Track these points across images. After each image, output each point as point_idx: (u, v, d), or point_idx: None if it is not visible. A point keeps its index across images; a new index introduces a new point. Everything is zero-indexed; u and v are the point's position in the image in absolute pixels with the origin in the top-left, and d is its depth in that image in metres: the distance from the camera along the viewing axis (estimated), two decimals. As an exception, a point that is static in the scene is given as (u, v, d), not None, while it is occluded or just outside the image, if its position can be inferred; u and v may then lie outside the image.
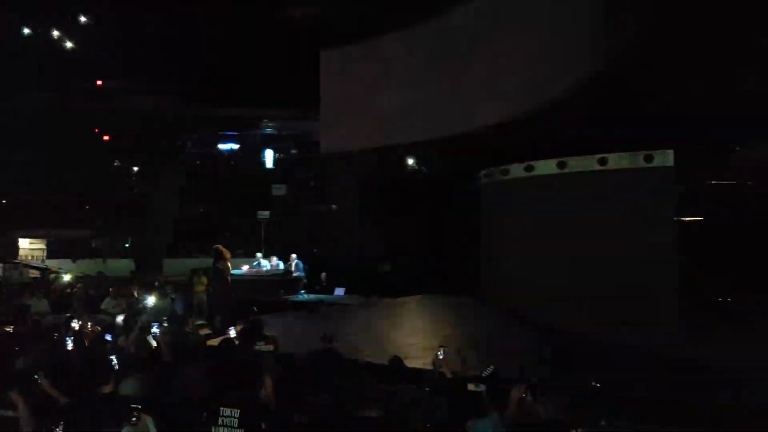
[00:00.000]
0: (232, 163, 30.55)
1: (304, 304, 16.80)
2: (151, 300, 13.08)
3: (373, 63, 19.29)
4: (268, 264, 18.93)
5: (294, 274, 18.60)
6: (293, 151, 30.05)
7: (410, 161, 22.35)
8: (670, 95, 15.02)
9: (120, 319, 10.06)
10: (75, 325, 9.08)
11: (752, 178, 13.06)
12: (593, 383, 7.39)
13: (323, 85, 20.66)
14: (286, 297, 17.57)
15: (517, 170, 15.20)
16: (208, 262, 14.55)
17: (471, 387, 5.70)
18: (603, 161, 13.59)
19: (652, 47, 13.35)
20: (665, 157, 12.93)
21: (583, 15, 13.93)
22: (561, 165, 14.20)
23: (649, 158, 13.06)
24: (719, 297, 13.24)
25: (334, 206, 23.44)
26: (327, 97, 20.68)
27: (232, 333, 8.86)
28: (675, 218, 12.92)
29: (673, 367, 9.07)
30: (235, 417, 5.13)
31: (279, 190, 24.84)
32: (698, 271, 12.86)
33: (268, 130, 30.43)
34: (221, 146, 30.95)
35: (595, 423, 4.61)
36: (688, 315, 12.79)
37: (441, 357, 6.79)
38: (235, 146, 30.98)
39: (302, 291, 18.47)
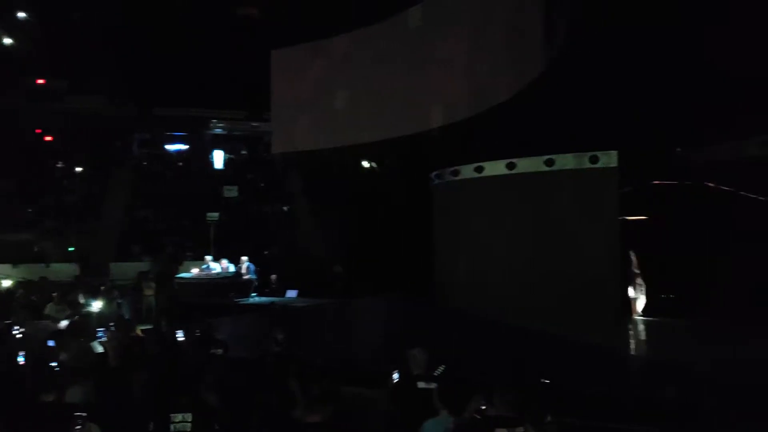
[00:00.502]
0: (180, 164, 29.97)
1: (255, 307, 16.63)
2: (97, 305, 12.74)
3: (325, 63, 19.24)
4: (218, 267, 18.67)
5: (245, 277, 18.40)
6: (244, 152, 29.68)
7: (363, 162, 22.37)
8: (609, 97, 15.49)
9: (64, 324, 9.78)
10: (17, 332, 8.79)
11: (692, 178, 13.53)
12: (541, 380, 7.56)
13: (274, 84, 20.49)
14: (237, 300, 17.36)
15: (467, 171, 15.42)
16: (155, 265, 14.27)
17: (422, 385, 5.68)
18: (550, 162, 13.90)
19: (585, 51, 13.76)
20: (609, 158, 13.31)
21: (526, 19, 14.20)
22: (510, 166, 14.46)
23: (594, 159, 13.42)
24: (663, 293, 13.63)
25: (285, 207, 23.25)
26: (278, 97, 20.52)
27: (180, 337, 8.70)
28: (619, 217, 13.28)
29: (618, 362, 9.29)
30: (187, 421, 5.06)
31: (230, 191, 24.48)
32: (643, 268, 13.25)
33: (218, 131, 29.99)
34: (169, 147, 30.36)
35: (541, 419, 4.69)
36: (634, 311, 13.25)
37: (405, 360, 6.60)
38: (184, 147, 30.42)
39: (253, 294, 18.28)
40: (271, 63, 20.48)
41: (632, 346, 10.64)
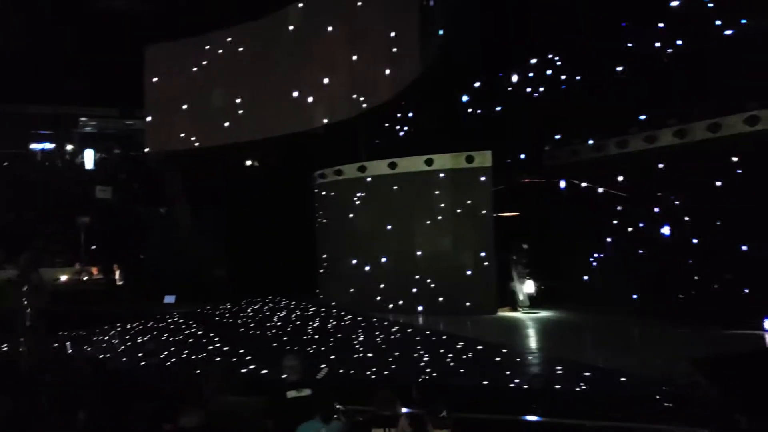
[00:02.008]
0: (47, 164, 28.09)
1: (131, 314, 15.88)
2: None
3: (201, 59, 18.70)
4: (90, 273, 17.72)
5: (119, 283, 17.57)
6: (116, 151, 28.26)
7: (244, 162, 21.92)
8: (478, 100, 16.21)
9: None
10: None
11: (558, 177, 14.34)
12: (425, 376, 7.76)
13: (148, 81, 19.68)
14: (112, 307, 16.53)
15: (350, 171, 15.56)
16: (19, 273, 13.26)
17: (292, 394, 5.59)
18: (429, 162, 14.33)
19: (456, 55, 14.32)
20: (484, 158, 13.92)
21: (404, 23, 14.50)
22: (392, 165, 14.76)
23: (470, 159, 13.98)
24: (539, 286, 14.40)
25: (162, 209, 22.36)
26: (152, 94, 19.73)
27: (49, 351, 8.21)
28: (494, 214, 13.89)
29: (495, 354, 9.68)
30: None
31: (103, 192, 23.22)
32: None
33: (88, 129, 28.40)
34: (34, 146, 28.39)
35: (437, 414, 4.79)
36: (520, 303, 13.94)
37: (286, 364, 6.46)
38: (50, 146, 28.57)
39: (130, 299, 17.48)
40: (144, 59, 19.67)
41: (511, 338, 11.11)
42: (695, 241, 11.81)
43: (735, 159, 11.24)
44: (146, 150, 20.98)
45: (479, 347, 10.12)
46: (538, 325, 12.54)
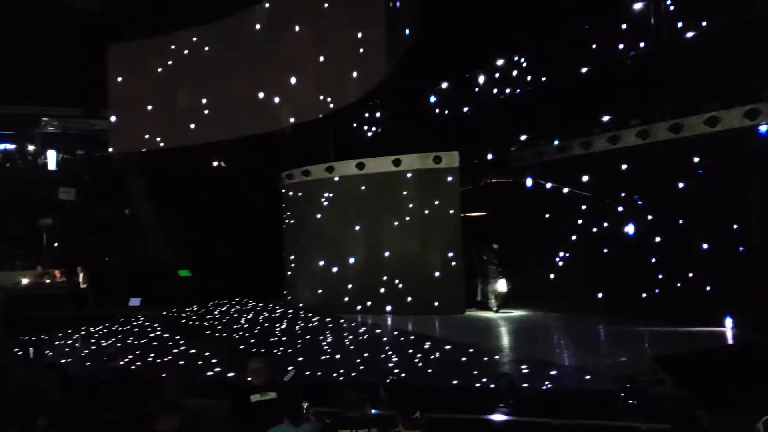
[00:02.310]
0: (7, 165, 27.41)
1: (95, 317, 15.60)
2: None
3: (167, 59, 18.42)
4: (53, 276, 17.34)
5: (82, 286, 17.24)
6: (80, 152, 27.68)
7: (212, 163, 21.66)
8: (446, 101, 16.32)
9: None
10: None
11: (524, 177, 14.48)
12: (393, 377, 7.75)
13: (111, 81, 19.32)
14: (75, 311, 16.20)
15: (318, 171, 15.50)
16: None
17: (255, 398, 5.50)
18: (397, 162, 14.36)
19: (423, 56, 14.40)
20: (451, 159, 14.00)
21: (371, 24, 14.50)
22: (360, 166, 14.75)
23: (437, 159, 14.04)
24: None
25: (127, 211, 21.97)
26: (116, 94, 19.37)
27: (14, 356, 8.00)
28: (461, 214, 13.97)
29: (464, 354, 9.74)
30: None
31: (67, 194, 22.71)
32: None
33: (51, 129, 27.76)
34: (-6, 146, 27.67)
35: (410, 415, 4.79)
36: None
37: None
38: (11, 146, 27.87)
39: (94, 303, 17.16)
40: (108, 58, 19.30)
41: (479, 338, 11.18)
42: (658, 240, 12.02)
43: (696, 159, 11.46)
44: (110, 150, 20.61)
45: (447, 347, 10.18)
46: (507, 325, 12.66)
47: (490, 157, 15.39)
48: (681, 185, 11.68)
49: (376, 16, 14.34)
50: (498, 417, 7.14)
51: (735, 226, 10.94)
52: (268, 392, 5.45)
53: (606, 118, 13.42)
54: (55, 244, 20.67)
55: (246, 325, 13.48)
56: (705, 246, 11.31)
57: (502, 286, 13.95)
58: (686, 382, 7.24)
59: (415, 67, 14.73)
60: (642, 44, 12.81)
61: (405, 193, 14.22)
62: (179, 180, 18.95)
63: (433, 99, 16.97)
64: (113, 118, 19.76)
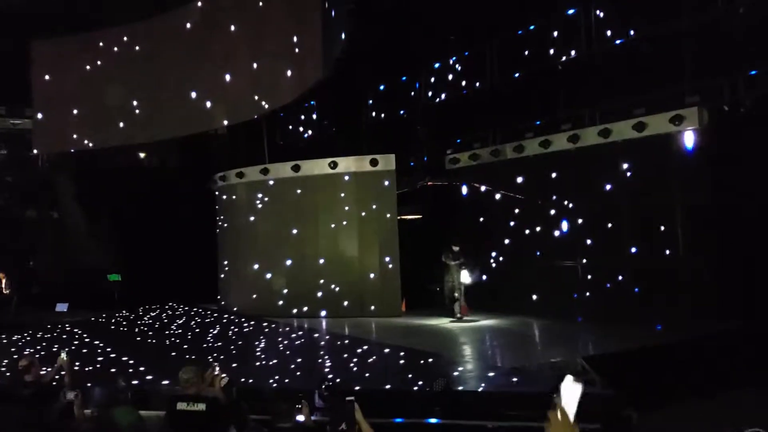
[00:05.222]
0: None
1: (18, 324, 14.86)
2: None
3: (94, 57, 17.75)
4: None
5: (5, 292, 16.43)
6: (2, 152, 26.45)
7: (142, 164, 21.02)
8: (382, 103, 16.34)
9: None
10: None
11: (460, 180, 14.61)
12: (329, 382, 7.64)
13: (35, 78, 18.49)
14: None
15: (252, 173, 15.22)
16: None
17: (181, 406, 5.28)
18: (333, 165, 14.23)
19: (359, 58, 14.37)
20: (388, 161, 13.97)
21: (306, 24, 14.37)
22: (295, 168, 14.55)
23: (374, 162, 13.99)
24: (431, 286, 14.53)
25: (53, 213, 21.11)
26: (40, 92, 18.56)
27: None
28: (398, 216, 13.95)
29: (399, 357, 9.72)
30: None
31: (-13, 196, 21.67)
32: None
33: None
34: None
35: (352, 419, 4.70)
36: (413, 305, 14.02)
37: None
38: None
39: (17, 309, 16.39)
40: (32, 55, 18.46)
41: (415, 341, 11.16)
42: (589, 242, 12.30)
43: (625, 164, 11.77)
44: (35, 151, 19.76)
45: (385, 350, 10.14)
46: (448, 328, 12.56)
47: (426, 159, 15.46)
48: (609, 188, 11.98)
49: (312, 16, 14.21)
50: (433, 420, 7.15)
51: (662, 228, 11.30)
52: (197, 403, 5.25)
53: (538, 123, 13.66)
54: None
55: (178, 331, 13.11)
56: (633, 248, 11.64)
57: (465, 277, 12.82)
58: (615, 382, 7.38)
59: (352, 68, 14.66)
60: (573, 51, 13.10)
61: (341, 195, 14.11)
62: (109, 181, 18.36)
63: (370, 101, 16.96)
64: (39, 117, 18.93)
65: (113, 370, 9.38)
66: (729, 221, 10.56)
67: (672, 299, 10.96)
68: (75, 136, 18.10)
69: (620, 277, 11.77)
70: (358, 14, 13.65)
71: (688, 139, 10.95)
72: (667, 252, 11.20)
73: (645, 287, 11.40)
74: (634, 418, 6.92)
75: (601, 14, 12.70)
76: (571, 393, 1.88)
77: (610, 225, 11.98)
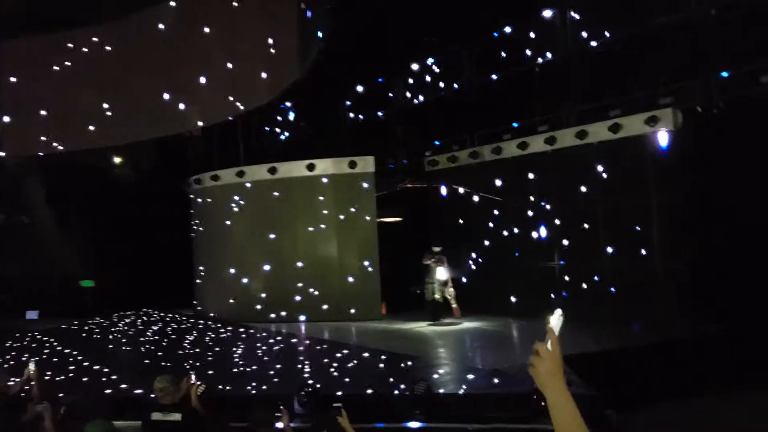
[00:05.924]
0: None
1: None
2: None
3: (63, 59, 17.40)
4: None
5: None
6: (-30, 155, 25.90)
7: (114, 167, 20.69)
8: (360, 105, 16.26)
9: None
10: None
11: (439, 182, 14.59)
12: (308, 388, 7.56)
13: (2, 80, 18.09)
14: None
15: (228, 176, 15.05)
16: None
17: (156, 417, 5.16)
18: (311, 167, 14.13)
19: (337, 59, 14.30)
20: (366, 163, 13.90)
21: (283, 25, 14.26)
22: (272, 170, 14.41)
23: (352, 164, 13.92)
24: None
25: (23, 218, 20.70)
26: (8, 94, 18.14)
27: None
28: (377, 219, 13.89)
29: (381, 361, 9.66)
30: None
31: (-47, 202, 21.20)
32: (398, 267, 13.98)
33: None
34: None
35: (334, 423, 4.65)
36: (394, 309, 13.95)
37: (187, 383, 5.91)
38: None
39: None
40: (-1, 56, 18.06)
41: (395, 344, 11.09)
42: (566, 243, 12.35)
43: (600, 165, 11.84)
44: (2, 155, 19.32)
45: (365, 354, 10.06)
46: (428, 331, 12.51)
47: (405, 162, 15.41)
48: (586, 190, 12.05)
49: (288, 16, 14.10)
50: (414, 424, 7.10)
51: (637, 229, 11.37)
52: (172, 413, 5.14)
53: (516, 125, 13.70)
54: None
55: (153, 338, 12.89)
56: (609, 249, 11.71)
57: (441, 273, 12.63)
58: (594, 382, 7.39)
59: (329, 69, 14.56)
60: (549, 53, 13.16)
61: (320, 198, 14.01)
62: (80, 185, 18.05)
63: (348, 103, 16.87)
64: (6, 120, 18.51)
65: (85, 379, 9.18)
66: (704, 221, 10.67)
67: (648, 299, 11.03)
68: (45, 138, 17.72)
69: (596, 278, 11.84)
70: (336, 15, 13.57)
71: (663, 140, 11.05)
72: (643, 252, 11.27)
73: (621, 288, 11.47)
74: (613, 419, 6.93)
75: (577, 16, 12.77)
76: (556, 324, 1.84)
77: (586, 226, 12.04)
